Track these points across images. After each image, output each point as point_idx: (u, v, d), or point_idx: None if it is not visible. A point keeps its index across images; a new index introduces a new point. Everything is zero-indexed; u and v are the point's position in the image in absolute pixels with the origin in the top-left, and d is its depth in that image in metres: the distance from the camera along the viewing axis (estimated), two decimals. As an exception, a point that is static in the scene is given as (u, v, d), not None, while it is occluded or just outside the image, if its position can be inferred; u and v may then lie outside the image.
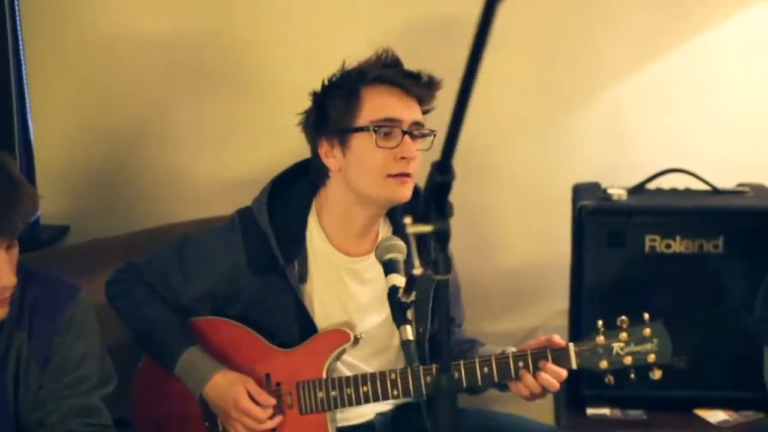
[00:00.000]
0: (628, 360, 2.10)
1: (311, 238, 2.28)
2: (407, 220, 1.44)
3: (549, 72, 2.89)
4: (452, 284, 2.42)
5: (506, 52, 2.86)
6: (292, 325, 2.27)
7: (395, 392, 2.18)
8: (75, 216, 3.15)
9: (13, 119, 3.05)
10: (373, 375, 2.19)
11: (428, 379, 2.16)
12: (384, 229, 2.34)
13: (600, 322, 2.13)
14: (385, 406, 2.38)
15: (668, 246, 2.50)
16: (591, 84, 2.87)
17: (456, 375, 2.14)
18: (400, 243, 2.00)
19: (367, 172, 2.20)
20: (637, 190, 2.61)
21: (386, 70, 2.21)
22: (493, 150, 2.92)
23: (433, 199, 1.43)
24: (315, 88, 2.27)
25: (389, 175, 2.19)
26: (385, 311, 2.31)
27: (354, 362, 2.33)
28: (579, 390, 2.55)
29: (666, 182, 2.67)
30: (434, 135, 2.24)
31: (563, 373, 2.10)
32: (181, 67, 3.03)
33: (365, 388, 2.18)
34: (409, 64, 2.26)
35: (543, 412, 2.64)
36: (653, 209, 2.52)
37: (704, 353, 2.50)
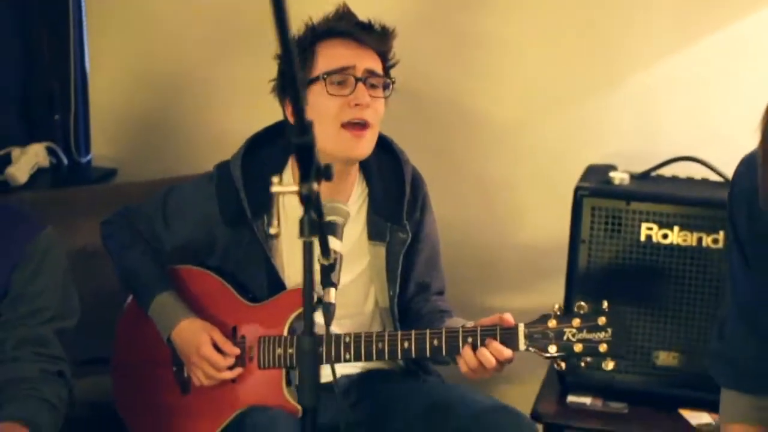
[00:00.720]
0: (578, 347, 2.03)
1: (284, 195, 2.30)
2: (274, 179, 1.46)
3: (580, 52, 2.80)
4: (429, 248, 2.41)
5: (540, 29, 2.81)
6: (262, 279, 2.30)
7: (347, 356, 2.17)
8: (122, 160, 3.28)
9: (71, 68, 3.21)
10: (329, 336, 2.20)
11: (380, 345, 2.15)
12: (359, 186, 2.35)
13: (556, 306, 2.07)
14: (351, 368, 2.39)
15: (665, 236, 2.40)
16: (622, 66, 2.77)
17: (406, 344, 2.13)
18: (343, 207, 2.01)
19: (322, 121, 2.18)
20: (644, 176, 2.52)
21: (337, 23, 2.25)
22: (518, 126, 2.87)
23: (299, 161, 1.43)
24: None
25: (343, 125, 2.20)
26: (357, 270, 2.34)
27: (320, 322, 2.34)
28: (561, 375, 2.48)
29: (683, 171, 2.57)
30: (392, 83, 2.27)
31: (505, 352, 2.04)
32: (223, 25, 3.10)
33: (320, 349, 2.19)
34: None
35: (528, 396, 2.59)
36: (652, 196, 2.42)
37: (695, 352, 2.40)
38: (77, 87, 3.25)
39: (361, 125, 2.21)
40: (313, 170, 1.44)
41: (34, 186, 3.04)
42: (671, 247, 2.40)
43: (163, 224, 2.37)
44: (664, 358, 2.43)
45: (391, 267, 2.32)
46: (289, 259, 2.31)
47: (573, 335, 2.04)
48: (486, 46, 2.86)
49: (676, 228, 2.39)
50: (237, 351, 2.26)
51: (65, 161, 3.23)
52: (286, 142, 2.30)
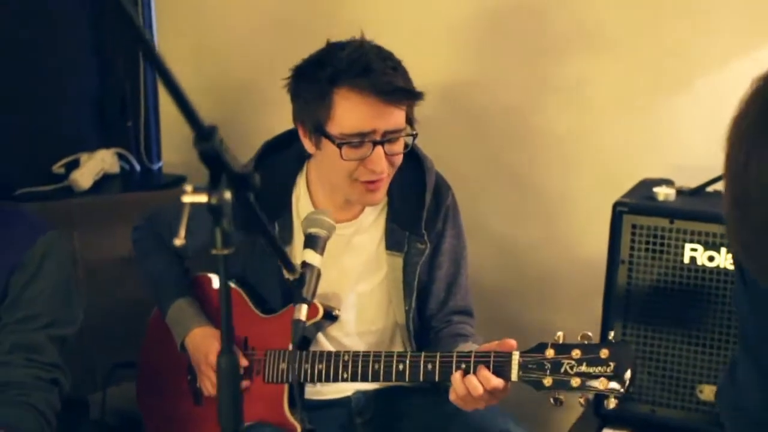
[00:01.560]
0: (575, 382, 1.83)
1: (297, 200, 2.24)
2: (187, 188, 1.38)
3: (644, 57, 2.60)
4: (450, 262, 2.28)
5: (601, 35, 2.64)
6: (276, 289, 2.24)
7: (345, 375, 2.07)
8: (191, 166, 3.26)
9: (140, 75, 3.25)
10: (329, 354, 2.10)
11: (377, 366, 2.04)
12: None
13: (560, 334, 1.89)
14: (368, 384, 2.28)
15: (711, 258, 2.18)
16: (687, 73, 2.55)
17: (400, 367, 2.01)
18: (326, 219, 1.91)
19: (336, 174, 2.11)
20: (694, 192, 2.30)
21: (359, 80, 2.02)
22: (578, 136, 2.69)
23: (208, 168, 1.36)
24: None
25: (359, 181, 2.09)
26: (375, 281, 2.23)
27: (338, 337, 2.25)
28: (597, 406, 2.29)
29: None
30: (414, 136, 2.11)
31: (493, 380, 1.88)
32: (290, 32, 3.04)
33: (320, 366, 2.10)
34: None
35: (564, 427, 2.41)
36: (698, 215, 2.19)
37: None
38: (147, 94, 3.29)
39: (375, 182, 2.10)
40: (223, 178, 1.35)
41: (100, 192, 3.07)
42: (717, 271, 2.18)
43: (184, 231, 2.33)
44: (709, 392, 2.21)
45: (407, 279, 2.21)
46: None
47: (571, 368, 1.84)
48: (546, 54, 2.70)
49: (723, 250, 2.17)
50: (245, 363, 2.20)
51: (137, 167, 3.26)
52: (300, 147, 2.21)
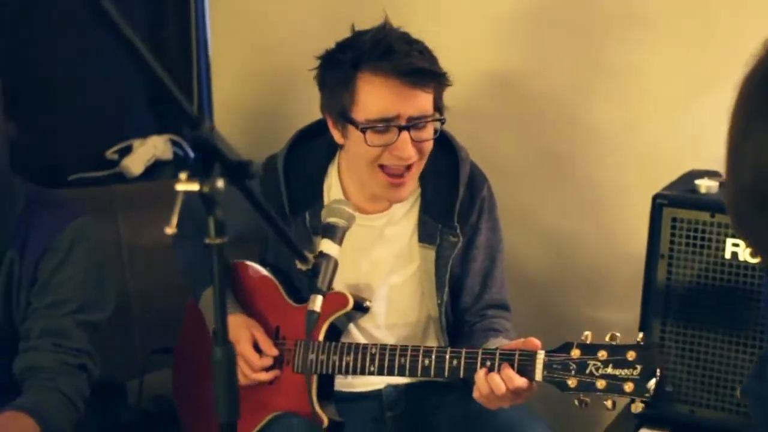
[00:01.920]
0: (600, 384, 1.79)
1: (329, 190, 2.22)
2: (182, 176, 1.37)
3: (694, 48, 2.51)
4: (485, 256, 2.24)
5: (652, 24, 2.55)
6: (306, 280, 2.21)
7: (372, 368, 2.05)
8: (244, 153, 3.28)
9: (193, 60, 3.26)
10: (357, 346, 2.08)
11: (402, 360, 2.01)
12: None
13: (587, 333, 1.84)
14: (400, 378, 2.25)
15: (754, 254, 2.10)
16: (739, 62, 2.46)
17: (426, 362, 1.98)
18: (346, 209, 1.89)
19: (360, 161, 2.08)
20: (739, 185, 2.21)
21: (382, 63, 1.99)
22: (629, 125, 2.61)
23: (203, 157, 1.35)
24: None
25: (381, 166, 2.05)
26: (406, 274, 2.20)
27: (370, 330, 2.23)
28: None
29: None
30: (442, 122, 2.06)
31: (516, 380, 1.84)
32: (340, 20, 3.02)
33: (348, 359, 2.08)
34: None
35: (602, 425, 2.35)
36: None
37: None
38: (201, 82, 3.30)
39: (401, 174, 2.07)
40: (216, 166, 1.34)
41: (151, 178, 3.09)
42: (760, 267, 2.08)
43: (220, 217, 2.33)
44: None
45: (440, 273, 2.17)
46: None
47: (597, 369, 1.80)
48: (596, 43, 2.63)
49: (766, 246, 2.08)
50: (275, 352, 2.19)
51: (191, 154, 3.27)
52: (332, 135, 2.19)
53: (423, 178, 2.19)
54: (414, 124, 2.02)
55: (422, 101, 2.03)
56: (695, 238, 2.16)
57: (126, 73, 3.22)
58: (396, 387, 2.26)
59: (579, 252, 2.74)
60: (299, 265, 1.72)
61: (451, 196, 2.18)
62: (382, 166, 2.06)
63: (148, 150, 3.12)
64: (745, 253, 2.11)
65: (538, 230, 2.79)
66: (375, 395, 2.26)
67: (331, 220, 1.86)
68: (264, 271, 2.30)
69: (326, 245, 1.82)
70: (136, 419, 2.46)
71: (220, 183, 1.33)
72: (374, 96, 2.01)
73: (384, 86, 2.00)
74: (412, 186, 2.13)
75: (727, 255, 2.13)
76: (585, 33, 2.64)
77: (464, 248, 2.20)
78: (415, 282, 2.21)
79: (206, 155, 1.32)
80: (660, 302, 2.21)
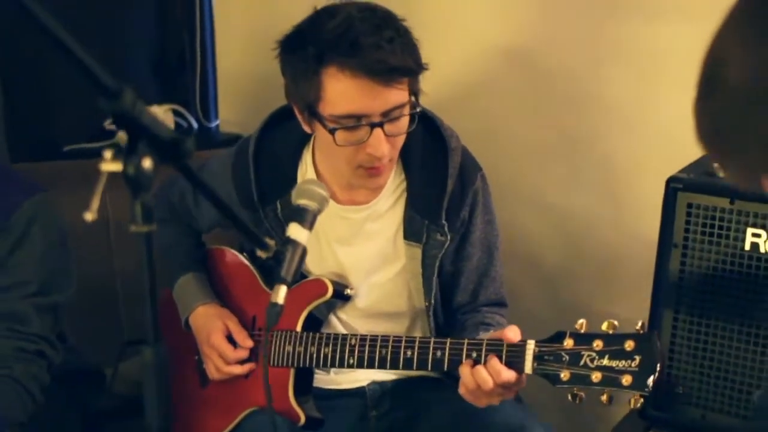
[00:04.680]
0: (595, 376, 1.62)
1: (303, 177, 2.03)
2: (106, 154, 1.19)
3: (711, 26, 2.28)
4: (481, 254, 2.05)
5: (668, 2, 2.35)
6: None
7: (351, 360, 1.89)
8: (248, 125, 3.12)
9: (197, 30, 3.11)
10: (336, 337, 1.92)
11: (383, 351, 1.84)
12: (396, 176, 2.01)
13: (581, 322, 1.67)
14: (385, 374, 2.10)
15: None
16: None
17: (408, 353, 1.81)
18: (318, 189, 1.70)
19: (333, 159, 1.91)
20: (763, 169, 1.99)
21: (349, 60, 1.76)
22: (648, 104, 2.40)
23: (127, 134, 1.18)
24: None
25: (359, 166, 1.86)
26: (391, 272, 2.03)
27: (351, 323, 2.07)
28: (643, 407, 2.03)
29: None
30: (418, 112, 1.85)
31: (504, 373, 1.67)
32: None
33: (326, 350, 1.92)
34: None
35: (606, 424, 2.17)
36: (763, 196, 1.89)
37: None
38: (205, 51, 3.16)
39: (377, 168, 1.87)
40: (141, 143, 1.16)
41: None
42: (783, 260, 1.89)
43: (193, 202, 2.17)
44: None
45: (427, 273, 1.98)
46: (311, 246, 2.03)
47: (592, 360, 1.63)
48: (613, 18, 2.41)
49: (790, 236, 1.88)
50: (250, 344, 2.04)
51: (194, 125, 3.13)
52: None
53: (410, 170, 1.99)
54: (388, 119, 1.81)
55: (395, 96, 1.80)
56: (712, 226, 1.95)
57: (127, 41, 3.10)
58: (381, 384, 2.10)
59: (591, 235, 2.54)
60: (259, 253, 1.55)
61: (440, 190, 1.97)
62: (357, 167, 1.87)
63: (146, 120, 2.96)
64: (766, 245, 1.90)
65: (549, 211, 2.60)
66: (359, 393, 2.10)
67: (301, 202, 1.67)
68: (241, 258, 2.14)
69: (294, 230, 1.64)
70: (113, 405, 2.32)
71: (147, 163, 1.14)
72: (341, 95, 1.78)
73: (352, 86, 1.77)
74: (389, 173, 1.95)
75: (747, 245, 1.91)
76: (602, 7, 2.43)
77: (458, 245, 2.01)
78: (400, 280, 2.03)
79: (130, 131, 1.14)
80: (672, 295, 2.01)
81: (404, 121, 1.85)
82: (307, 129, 1.92)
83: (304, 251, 1.64)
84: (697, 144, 2.25)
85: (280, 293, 1.60)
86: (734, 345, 1.96)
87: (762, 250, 1.91)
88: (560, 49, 2.50)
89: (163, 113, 3.02)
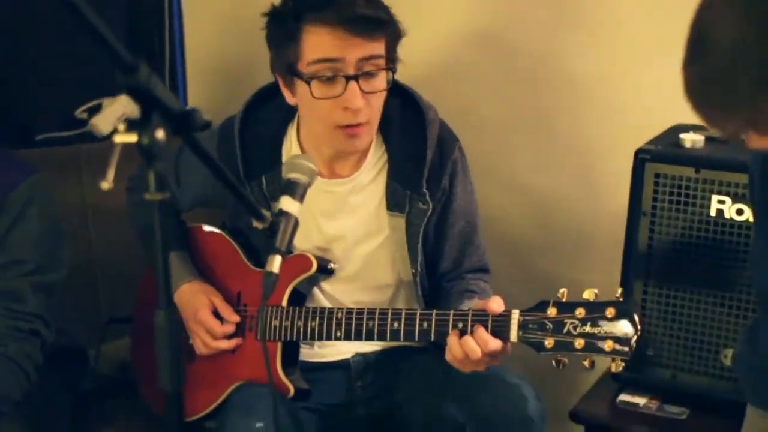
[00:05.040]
0: (578, 343, 1.69)
1: (288, 153, 2.09)
2: (120, 126, 1.25)
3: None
4: (463, 221, 2.12)
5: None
6: (267, 242, 2.11)
7: (338, 333, 1.94)
8: (217, 112, 3.14)
9: (165, 16, 3.13)
10: (322, 310, 1.98)
11: (370, 324, 1.91)
12: (377, 149, 2.08)
13: (562, 291, 1.74)
14: (369, 346, 2.16)
15: (740, 212, 1.98)
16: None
17: (395, 325, 1.88)
18: (307, 163, 1.77)
19: (313, 120, 1.98)
20: (726, 140, 2.09)
21: (325, 13, 1.88)
22: (613, 79, 2.48)
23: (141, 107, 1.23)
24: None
25: (338, 126, 1.94)
26: (375, 243, 2.09)
27: (336, 296, 2.13)
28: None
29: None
30: (393, 71, 1.94)
31: (491, 342, 1.74)
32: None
33: (313, 324, 1.97)
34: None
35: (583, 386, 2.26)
36: (726, 164, 1.98)
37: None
38: (174, 37, 3.17)
39: (356, 126, 1.95)
40: (154, 115, 1.22)
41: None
42: (746, 225, 1.98)
43: (174, 181, 2.22)
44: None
45: (411, 242, 2.05)
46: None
47: (575, 328, 1.70)
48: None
49: (753, 202, 1.97)
50: (237, 318, 2.09)
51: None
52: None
53: (389, 143, 2.07)
54: (363, 72, 1.90)
55: (369, 47, 1.91)
56: (679, 194, 2.05)
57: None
58: (365, 356, 2.16)
59: (561, 209, 2.63)
60: (255, 224, 1.62)
61: (420, 161, 2.05)
62: (335, 126, 1.95)
63: (118, 108, 2.98)
64: (731, 210, 2.00)
65: (519, 187, 2.68)
66: (344, 365, 2.16)
67: (292, 176, 1.74)
68: (223, 235, 2.19)
69: (286, 202, 1.71)
70: (96, 386, 2.37)
71: (160, 134, 1.21)
72: (318, 45, 1.89)
73: (328, 35, 1.89)
74: (368, 138, 2.01)
75: (713, 212, 2.02)
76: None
77: (440, 214, 2.08)
78: (385, 251, 2.10)
79: (144, 104, 1.21)
80: (642, 262, 2.11)
81: (380, 79, 1.94)
82: (289, 99, 2.00)
83: (297, 223, 1.71)
84: (661, 117, 2.35)
85: (275, 263, 1.67)
86: (702, 307, 2.06)
87: (726, 215, 2.01)
88: (523, 25, 2.58)
89: (129, 100, 3.04)
